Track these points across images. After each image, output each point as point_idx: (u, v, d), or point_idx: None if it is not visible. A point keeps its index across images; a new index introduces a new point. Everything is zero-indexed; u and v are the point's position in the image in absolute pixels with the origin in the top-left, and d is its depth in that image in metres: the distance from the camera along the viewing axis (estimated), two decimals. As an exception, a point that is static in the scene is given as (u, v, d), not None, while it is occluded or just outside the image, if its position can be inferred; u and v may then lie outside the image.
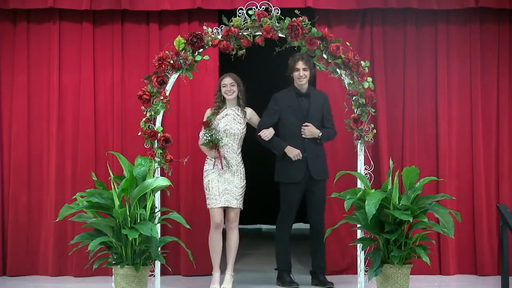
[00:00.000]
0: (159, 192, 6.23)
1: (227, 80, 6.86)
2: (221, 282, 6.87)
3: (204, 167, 6.93)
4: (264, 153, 7.72)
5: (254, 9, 6.32)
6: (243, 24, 6.32)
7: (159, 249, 5.99)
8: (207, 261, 7.64)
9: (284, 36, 6.32)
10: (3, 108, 7.73)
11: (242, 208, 6.88)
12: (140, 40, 7.77)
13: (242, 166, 6.88)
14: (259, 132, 6.92)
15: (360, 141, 6.33)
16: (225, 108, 6.90)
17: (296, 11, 6.33)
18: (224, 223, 6.90)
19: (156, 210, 6.18)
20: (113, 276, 6.01)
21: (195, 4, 7.54)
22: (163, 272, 6.76)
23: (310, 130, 6.91)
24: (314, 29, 6.30)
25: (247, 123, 6.94)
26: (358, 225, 6.15)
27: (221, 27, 6.37)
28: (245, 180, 6.88)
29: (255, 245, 9.81)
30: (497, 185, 7.81)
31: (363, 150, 6.34)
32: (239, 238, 6.93)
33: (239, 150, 6.89)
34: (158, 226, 6.16)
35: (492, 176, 7.79)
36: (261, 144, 6.99)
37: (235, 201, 6.79)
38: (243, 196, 6.87)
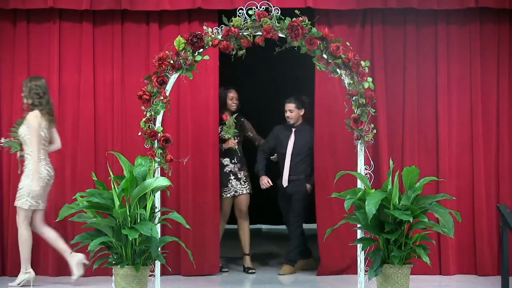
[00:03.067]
0: (159, 192, 6.22)
1: None
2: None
3: None
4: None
5: (254, 9, 6.30)
6: (243, 24, 6.31)
7: (159, 249, 5.99)
8: (207, 261, 7.67)
9: (284, 36, 6.31)
10: (3, 108, 7.73)
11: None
12: (140, 40, 7.77)
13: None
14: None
15: (360, 141, 6.32)
16: None
17: (296, 11, 6.33)
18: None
19: (156, 210, 6.17)
20: (113, 276, 6.00)
21: (195, 4, 7.54)
22: (163, 272, 6.75)
23: None
24: (314, 29, 6.29)
25: None
26: (358, 225, 6.14)
27: (221, 27, 6.36)
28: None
29: (255, 245, 9.79)
30: (497, 185, 7.80)
31: (363, 150, 6.34)
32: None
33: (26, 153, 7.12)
34: (158, 226, 6.16)
35: (492, 176, 7.79)
36: None
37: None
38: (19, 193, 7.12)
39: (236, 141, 7.84)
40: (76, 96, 7.73)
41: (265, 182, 7.83)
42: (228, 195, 7.87)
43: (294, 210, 7.79)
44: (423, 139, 7.82)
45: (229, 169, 7.87)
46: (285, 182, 7.79)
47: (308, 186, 7.79)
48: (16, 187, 7.63)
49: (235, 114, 7.86)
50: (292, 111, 7.79)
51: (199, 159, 7.68)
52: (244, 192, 7.89)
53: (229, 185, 7.86)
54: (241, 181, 7.90)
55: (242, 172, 7.92)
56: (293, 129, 7.84)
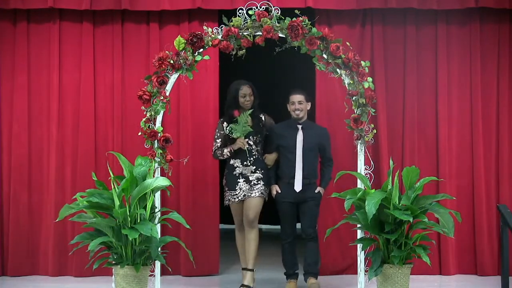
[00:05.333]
0: (159, 192, 6.22)
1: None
2: None
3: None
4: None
5: (254, 9, 6.31)
6: (243, 24, 6.32)
7: (159, 249, 5.99)
8: (207, 261, 7.66)
9: (284, 36, 6.32)
10: (3, 108, 7.73)
11: None
12: (140, 40, 7.77)
13: None
14: None
15: (360, 141, 6.33)
16: None
17: (296, 11, 6.33)
18: None
19: (156, 210, 6.18)
20: (113, 276, 6.01)
21: (195, 4, 7.54)
22: (163, 272, 6.76)
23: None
24: (314, 29, 6.30)
25: None
26: (358, 225, 6.15)
27: (221, 27, 6.37)
28: None
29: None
30: (497, 185, 7.81)
31: (363, 150, 6.34)
32: None
33: None
34: (158, 226, 6.16)
35: (492, 176, 7.79)
36: None
37: None
38: None
39: (247, 140, 6.82)
40: (76, 96, 7.73)
41: (274, 192, 6.95)
42: (237, 199, 6.89)
43: (311, 219, 6.96)
44: (423, 139, 7.82)
45: (239, 172, 6.86)
46: (298, 186, 6.88)
47: (321, 189, 6.95)
48: (17, 187, 7.65)
49: (250, 110, 6.86)
50: (302, 103, 6.91)
51: (199, 159, 7.68)
52: (252, 195, 6.83)
53: (238, 189, 6.88)
54: (251, 183, 6.86)
55: (254, 175, 6.87)
56: (300, 126, 6.97)
